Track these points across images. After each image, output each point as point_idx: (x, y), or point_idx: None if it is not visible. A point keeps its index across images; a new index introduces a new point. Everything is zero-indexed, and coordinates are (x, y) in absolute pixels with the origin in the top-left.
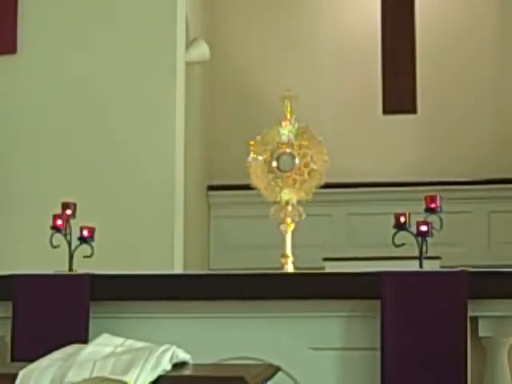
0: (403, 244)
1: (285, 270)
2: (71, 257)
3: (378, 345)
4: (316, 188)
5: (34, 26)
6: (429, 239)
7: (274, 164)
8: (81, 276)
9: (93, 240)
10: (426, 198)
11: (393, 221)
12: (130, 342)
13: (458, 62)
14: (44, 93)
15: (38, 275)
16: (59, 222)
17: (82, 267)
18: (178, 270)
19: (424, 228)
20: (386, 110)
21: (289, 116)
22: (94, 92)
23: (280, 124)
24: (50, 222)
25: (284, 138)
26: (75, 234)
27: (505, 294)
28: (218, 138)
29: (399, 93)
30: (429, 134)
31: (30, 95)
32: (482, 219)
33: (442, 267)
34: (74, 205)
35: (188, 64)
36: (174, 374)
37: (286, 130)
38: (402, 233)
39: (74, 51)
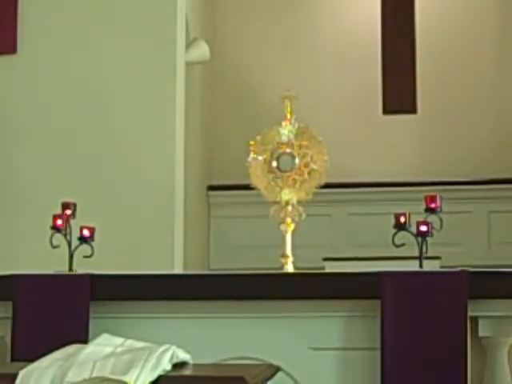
0: (403, 244)
1: (285, 270)
2: (71, 257)
3: (378, 345)
4: (316, 188)
5: (34, 26)
6: (429, 239)
7: (274, 164)
8: (81, 276)
9: (93, 240)
10: (426, 198)
11: (393, 221)
12: (129, 342)
13: (457, 62)
14: (44, 93)
15: (38, 275)
16: (59, 222)
17: (81, 267)
18: (178, 270)
19: (424, 228)
20: (386, 110)
21: (289, 116)
22: (94, 92)
23: (280, 124)
24: (50, 222)
25: (284, 138)
26: (75, 233)
27: (505, 293)
28: (218, 138)
29: (399, 93)
30: (429, 134)
31: (30, 95)
32: (482, 219)
33: (442, 267)
34: (74, 205)
35: (188, 64)
36: (174, 374)
37: (286, 130)
38: (402, 233)
39: (73, 51)
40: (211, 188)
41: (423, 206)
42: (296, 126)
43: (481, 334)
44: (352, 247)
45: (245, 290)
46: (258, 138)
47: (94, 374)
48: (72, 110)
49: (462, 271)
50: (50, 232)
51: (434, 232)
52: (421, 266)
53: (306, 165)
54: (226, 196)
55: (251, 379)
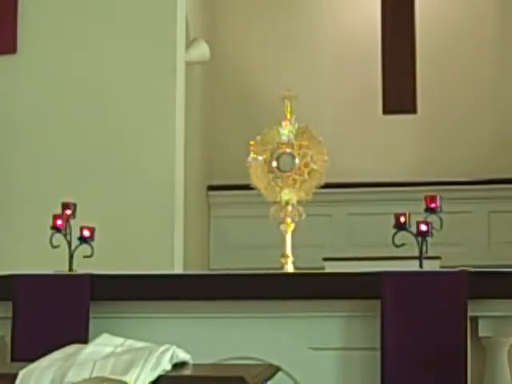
0: (403, 244)
1: (285, 270)
2: (71, 257)
3: (378, 345)
4: (316, 188)
5: (34, 26)
6: (429, 239)
7: (274, 164)
8: (81, 276)
9: (93, 240)
10: (426, 198)
11: (393, 221)
12: (130, 342)
13: (458, 62)
14: (44, 93)
15: (38, 275)
16: (59, 222)
17: (81, 267)
18: (178, 270)
19: (424, 228)
20: (386, 110)
21: (289, 116)
22: (94, 92)
23: (280, 124)
24: (50, 222)
25: (284, 138)
26: (75, 233)
27: (505, 293)
28: (218, 138)
29: (399, 93)
30: (429, 134)
31: (30, 95)
32: (482, 219)
33: (442, 267)
34: (74, 205)
35: (188, 64)
36: (174, 374)
37: (286, 130)
38: (402, 233)
39: (74, 51)
40: (211, 188)
41: (423, 206)
42: (296, 126)
43: (481, 334)
44: (352, 247)
45: (245, 290)
46: (258, 138)
47: (94, 374)
48: (72, 109)
49: (461, 271)
50: (49, 232)
51: (434, 232)
52: (421, 266)
53: (306, 165)
54: (226, 196)
55: (251, 379)
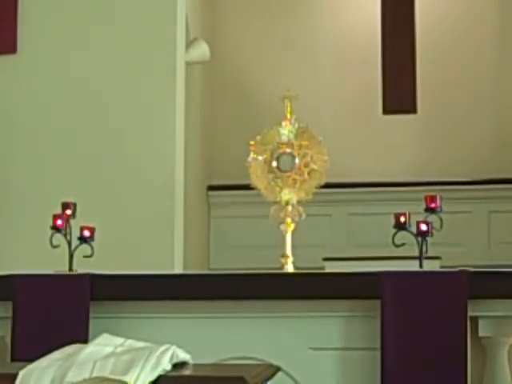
0: (403, 244)
1: (285, 270)
2: (71, 257)
3: (378, 345)
4: (316, 188)
5: (34, 26)
6: (429, 239)
7: (274, 164)
8: (81, 276)
9: (93, 240)
10: (426, 198)
11: (393, 221)
12: (130, 342)
13: (458, 62)
14: (44, 93)
15: (38, 275)
16: (59, 222)
17: (81, 267)
18: (178, 270)
19: (424, 228)
20: (386, 110)
21: (289, 116)
22: (94, 92)
23: (280, 124)
24: (50, 222)
25: (284, 138)
26: (75, 233)
27: (505, 293)
28: (218, 138)
29: (399, 93)
30: (429, 134)
31: (30, 95)
32: (482, 219)
33: (442, 267)
34: (74, 205)
35: (188, 64)
36: (174, 374)
37: (286, 130)
38: (402, 233)
39: (74, 51)
40: (211, 188)
41: (423, 206)
42: (296, 126)
43: (481, 334)
44: (352, 247)
45: (245, 290)
46: (258, 137)
47: (94, 374)
48: (72, 109)
49: (461, 271)
50: (50, 232)
51: (434, 232)
52: (421, 266)
53: (306, 165)
54: (226, 196)
55: (251, 379)
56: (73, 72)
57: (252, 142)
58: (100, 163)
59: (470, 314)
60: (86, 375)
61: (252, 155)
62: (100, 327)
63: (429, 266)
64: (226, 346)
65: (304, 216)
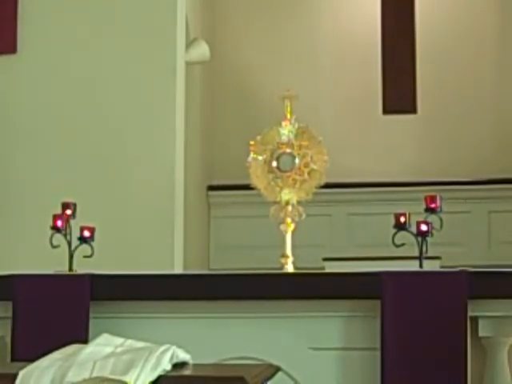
0: (403, 244)
1: (285, 270)
2: (71, 257)
3: (378, 345)
4: (316, 188)
5: (34, 25)
6: (429, 239)
7: (274, 164)
8: (81, 276)
9: (93, 240)
10: (425, 198)
11: (393, 221)
12: (130, 342)
13: (457, 62)
14: (44, 93)
15: (38, 275)
16: (59, 222)
17: (81, 267)
18: (178, 270)
19: (424, 228)
20: (386, 110)
21: (289, 116)
22: (94, 92)
23: (280, 124)
24: (50, 222)
25: (284, 138)
26: (75, 233)
27: (505, 293)
28: (218, 138)
29: (399, 93)
30: (429, 134)
31: (30, 95)
32: (482, 219)
33: (442, 267)
34: (74, 205)
35: (188, 64)
36: (174, 374)
37: (286, 130)
38: (402, 233)
39: (73, 51)
40: (211, 188)
41: (423, 206)
42: (296, 126)
43: (481, 334)
44: (352, 247)
45: (245, 290)
46: (258, 137)
47: (94, 374)
48: (72, 109)
49: (461, 271)
50: (50, 232)
51: (433, 232)
52: (421, 266)
53: (306, 165)
54: (226, 196)
55: (251, 379)
56: (73, 72)
57: (252, 142)
58: (100, 163)
59: (470, 314)
60: (86, 375)
61: (252, 155)
62: (100, 327)
63: (429, 266)
64: (226, 346)
65: (304, 216)
